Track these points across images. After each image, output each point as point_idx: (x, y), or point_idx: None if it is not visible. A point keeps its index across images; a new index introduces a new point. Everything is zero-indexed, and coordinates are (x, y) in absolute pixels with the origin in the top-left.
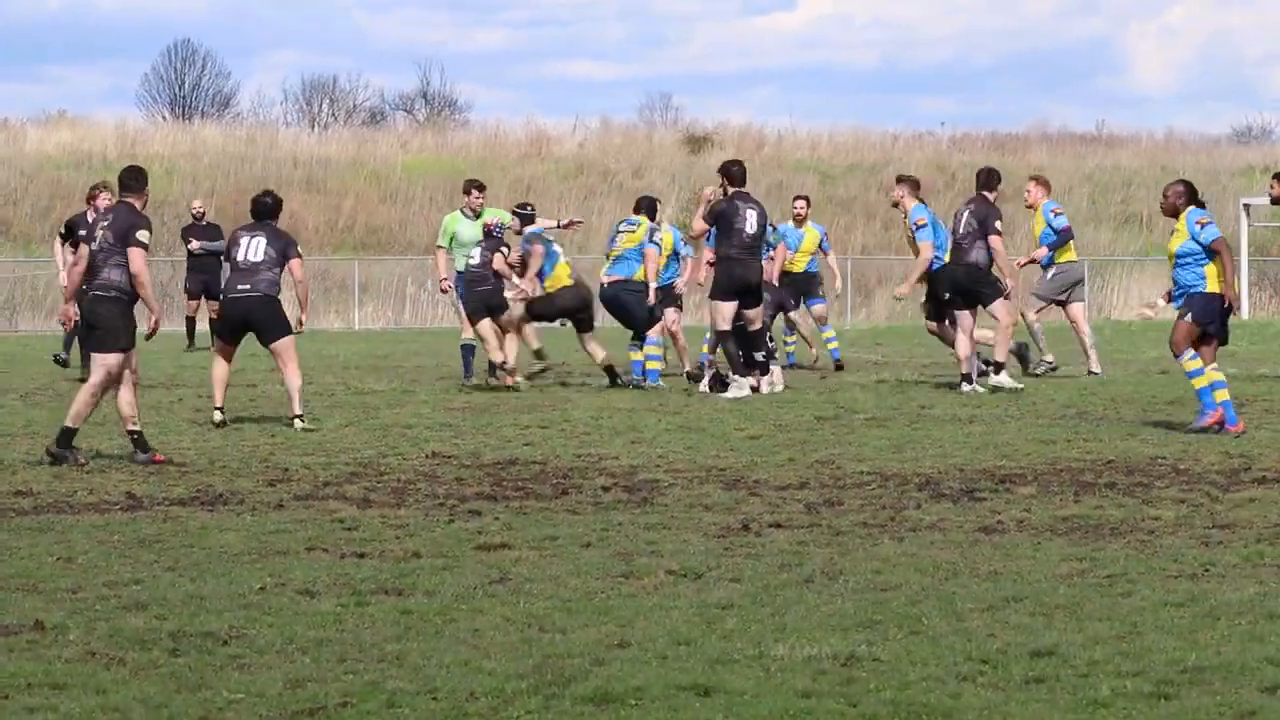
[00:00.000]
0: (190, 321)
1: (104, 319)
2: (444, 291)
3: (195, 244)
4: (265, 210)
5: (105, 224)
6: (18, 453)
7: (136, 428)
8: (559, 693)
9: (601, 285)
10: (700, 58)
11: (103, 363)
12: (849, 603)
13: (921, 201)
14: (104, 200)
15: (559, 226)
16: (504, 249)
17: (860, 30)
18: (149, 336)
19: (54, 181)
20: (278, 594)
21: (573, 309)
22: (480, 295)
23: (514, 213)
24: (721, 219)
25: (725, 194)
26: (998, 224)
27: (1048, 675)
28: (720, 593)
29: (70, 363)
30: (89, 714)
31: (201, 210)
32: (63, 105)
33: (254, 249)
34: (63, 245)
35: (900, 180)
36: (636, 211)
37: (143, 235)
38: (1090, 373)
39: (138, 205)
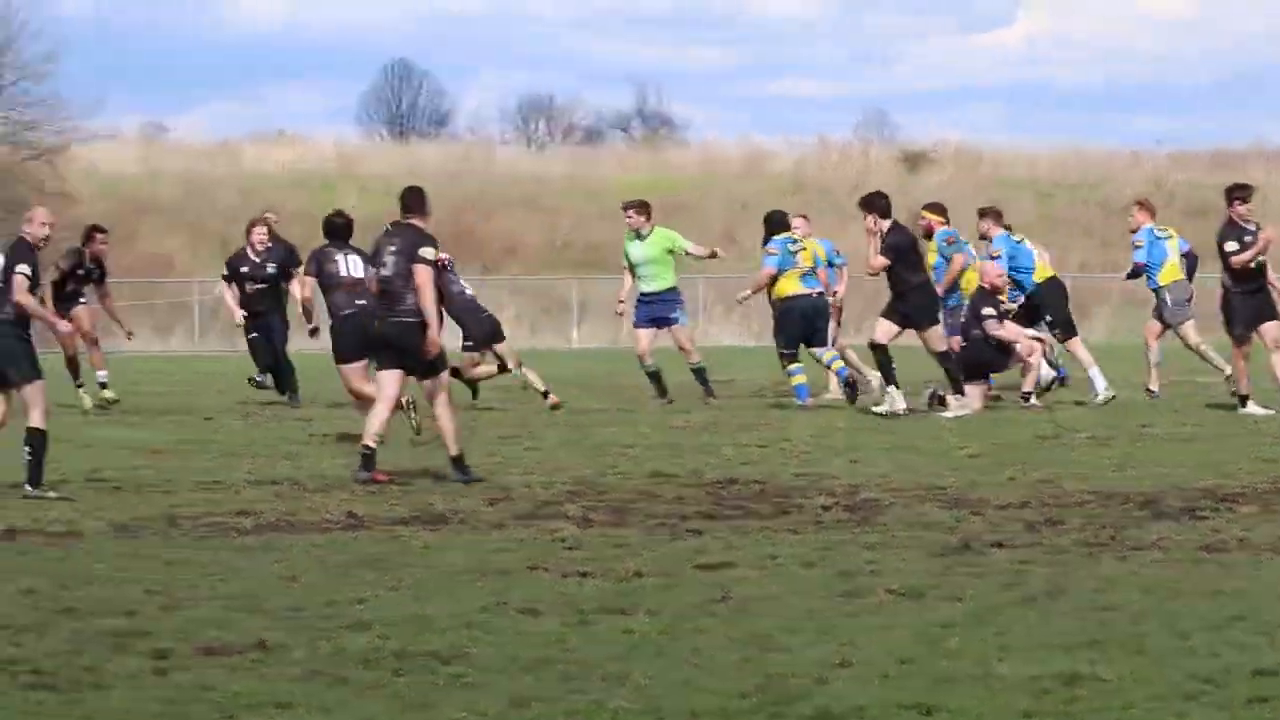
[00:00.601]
0: None
1: (417, 345)
2: (619, 314)
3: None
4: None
5: (394, 249)
6: (240, 472)
7: (373, 446)
8: (782, 711)
9: (805, 296)
10: (917, 75)
11: (444, 382)
12: (1071, 622)
13: (1007, 230)
14: (259, 234)
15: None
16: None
17: (1077, 48)
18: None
19: (272, 200)
20: (500, 613)
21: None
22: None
23: None
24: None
25: (883, 226)
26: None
27: (1271, 695)
28: (942, 612)
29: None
30: None
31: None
32: (282, 124)
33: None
34: (228, 286)
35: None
36: (769, 226)
37: (427, 251)
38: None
39: (423, 226)
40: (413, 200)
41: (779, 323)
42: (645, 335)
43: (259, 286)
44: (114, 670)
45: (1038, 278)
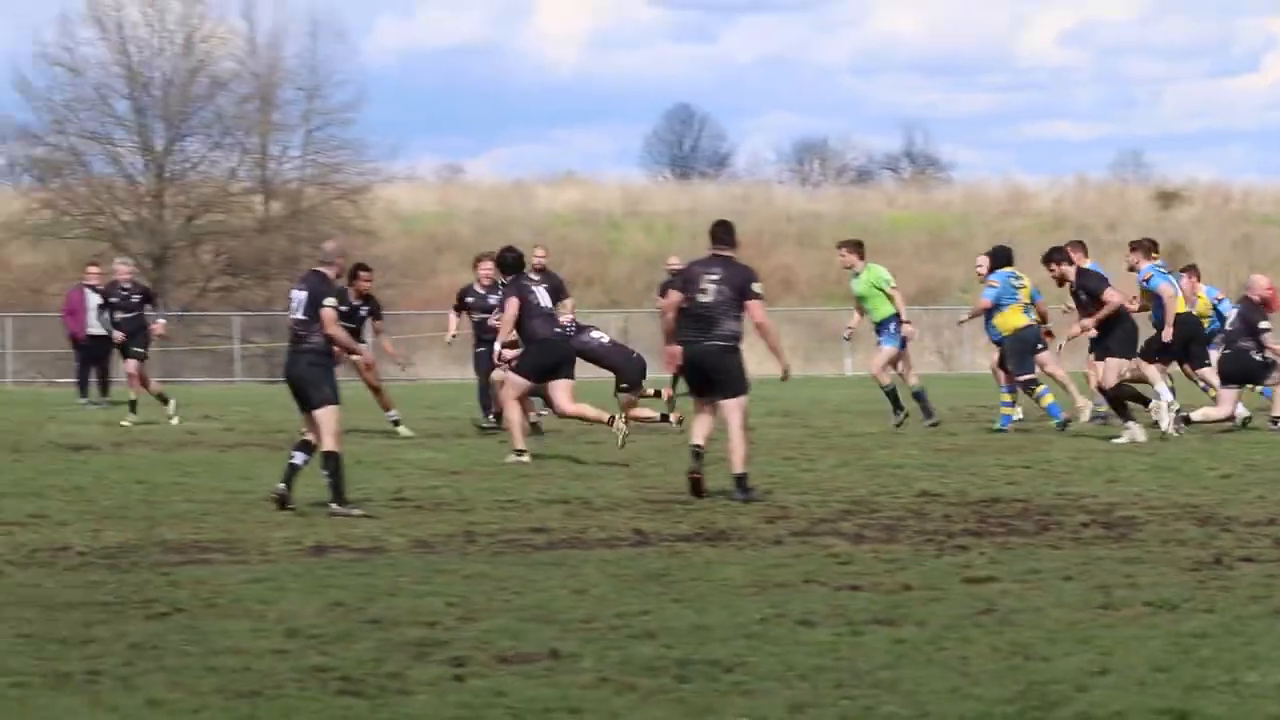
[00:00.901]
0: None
1: (734, 368)
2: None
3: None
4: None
5: (714, 278)
6: (533, 492)
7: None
8: (1043, 717)
9: (1031, 327)
10: (1170, 118)
11: (739, 405)
12: None
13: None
14: (485, 269)
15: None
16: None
17: None
18: None
19: (562, 238)
20: (777, 624)
21: None
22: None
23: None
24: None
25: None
26: None
27: None
28: (1194, 623)
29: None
30: None
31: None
32: (571, 166)
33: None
34: (456, 314)
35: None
36: (993, 260)
37: (758, 287)
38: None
39: (734, 257)
40: (723, 233)
41: (1014, 352)
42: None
43: (483, 317)
44: (416, 677)
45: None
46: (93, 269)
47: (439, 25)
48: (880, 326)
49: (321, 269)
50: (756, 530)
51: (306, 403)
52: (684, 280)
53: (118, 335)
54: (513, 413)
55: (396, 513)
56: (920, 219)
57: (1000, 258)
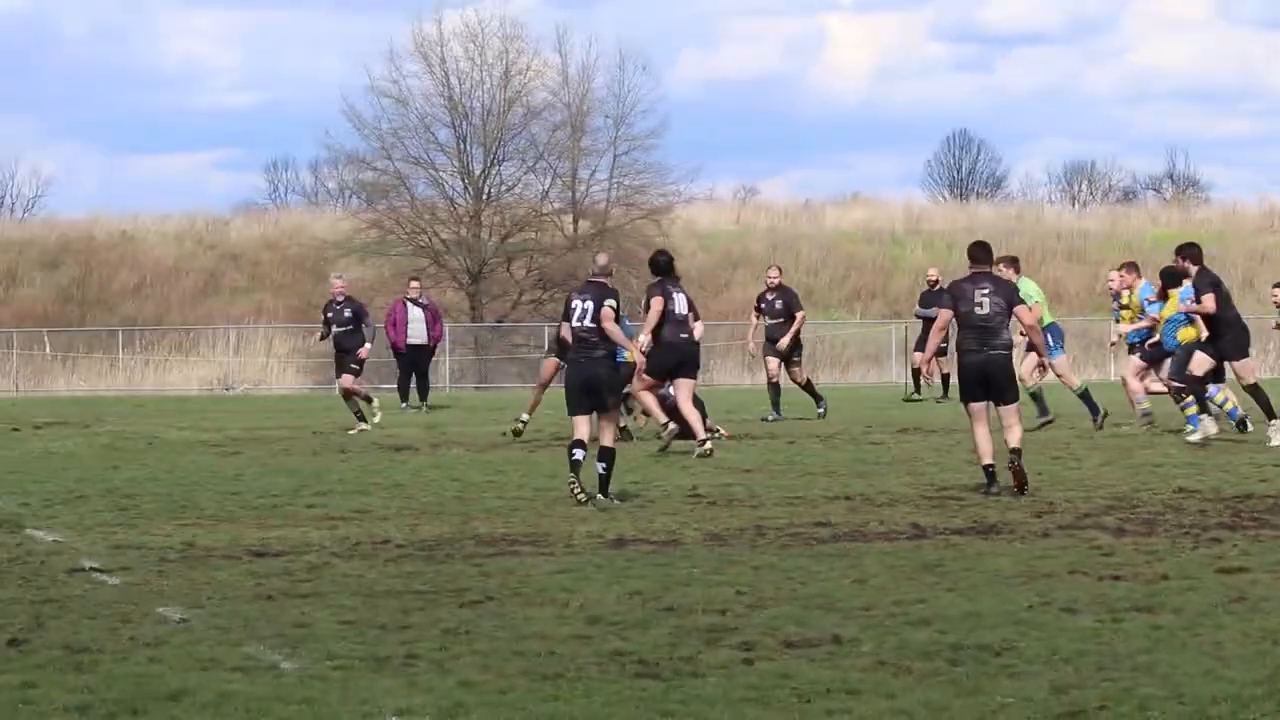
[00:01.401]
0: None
1: (1011, 374)
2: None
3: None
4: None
5: (986, 292)
6: (818, 489)
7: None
8: None
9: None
10: None
11: (1018, 409)
12: None
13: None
14: (773, 276)
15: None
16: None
17: None
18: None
19: (848, 254)
20: (1043, 611)
21: None
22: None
23: None
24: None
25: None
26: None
27: None
28: None
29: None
30: (879, 716)
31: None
32: (857, 188)
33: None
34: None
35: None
36: (1165, 279)
37: (1028, 298)
38: None
39: (997, 273)
40: (982, 253)
41: (1182, 361)
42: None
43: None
44: (707, 661)
45: None
46: (414, 284)
47: (739, 58)
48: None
49: (598, 279)
50: (1025, 524)
51: (601, 405)
52: (954, 297)
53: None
54: (685, 409)
55: (692, 508)
56: (1180, 236)
57: (1175, 276)
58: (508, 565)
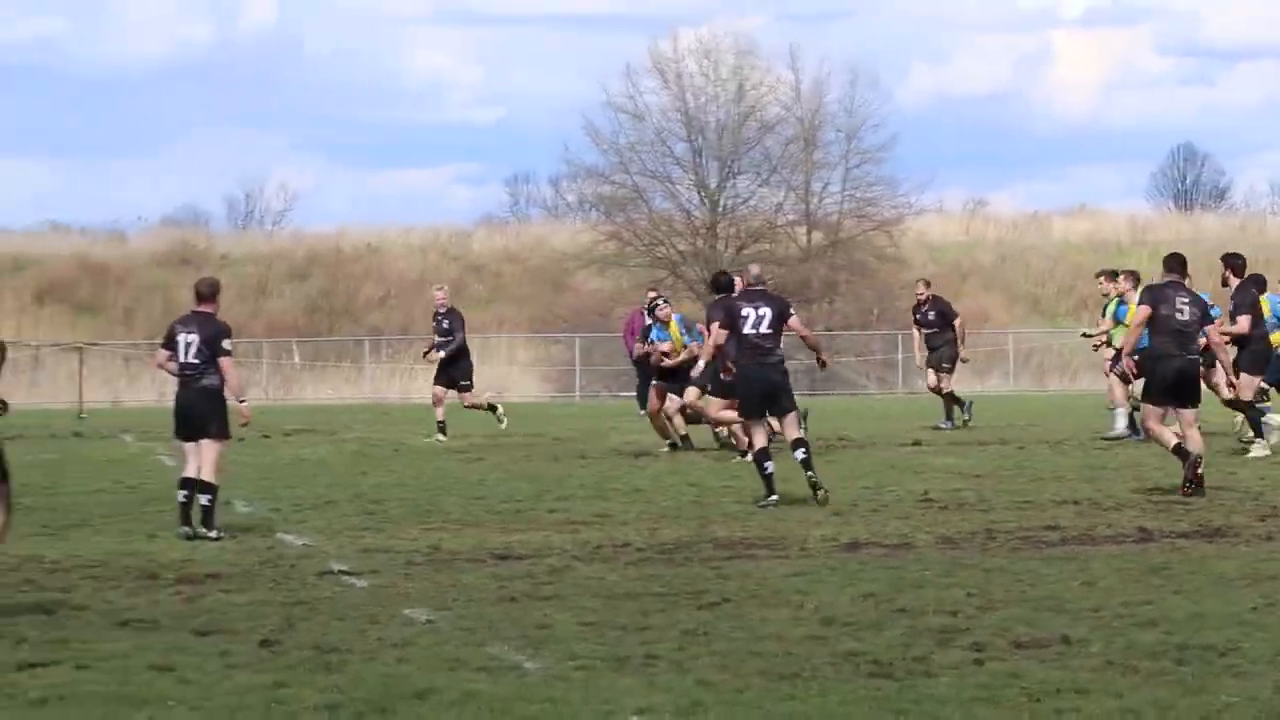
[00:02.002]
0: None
1: (1197, 378)
2: None
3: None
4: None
5: (1186, 301)
6: (1047, 494)
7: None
8: None
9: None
10: None
11: (1198, 412)
12: None
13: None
14: (920, 291)
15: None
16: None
17: None
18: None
19: (1075, 265)
20: (1268, 613)
21: None
22: None
23: None
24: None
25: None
26: None
27: None
28: None
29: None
30: (1107, 715)
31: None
32: (1084, 200)
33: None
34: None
35: None
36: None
37: (1214, 311)
38: None
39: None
40: (1177, 264)
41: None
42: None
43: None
44: (939, 661)
45: None
46: (651, 293)
47: (968, 74)
48: None
49: (760, 288)
50: (1250, 528)
51: (780, 409)
52: (1155, 300)
53: (435, 354)
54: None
55: (923, 512)
56: None
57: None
58: (744, 568)
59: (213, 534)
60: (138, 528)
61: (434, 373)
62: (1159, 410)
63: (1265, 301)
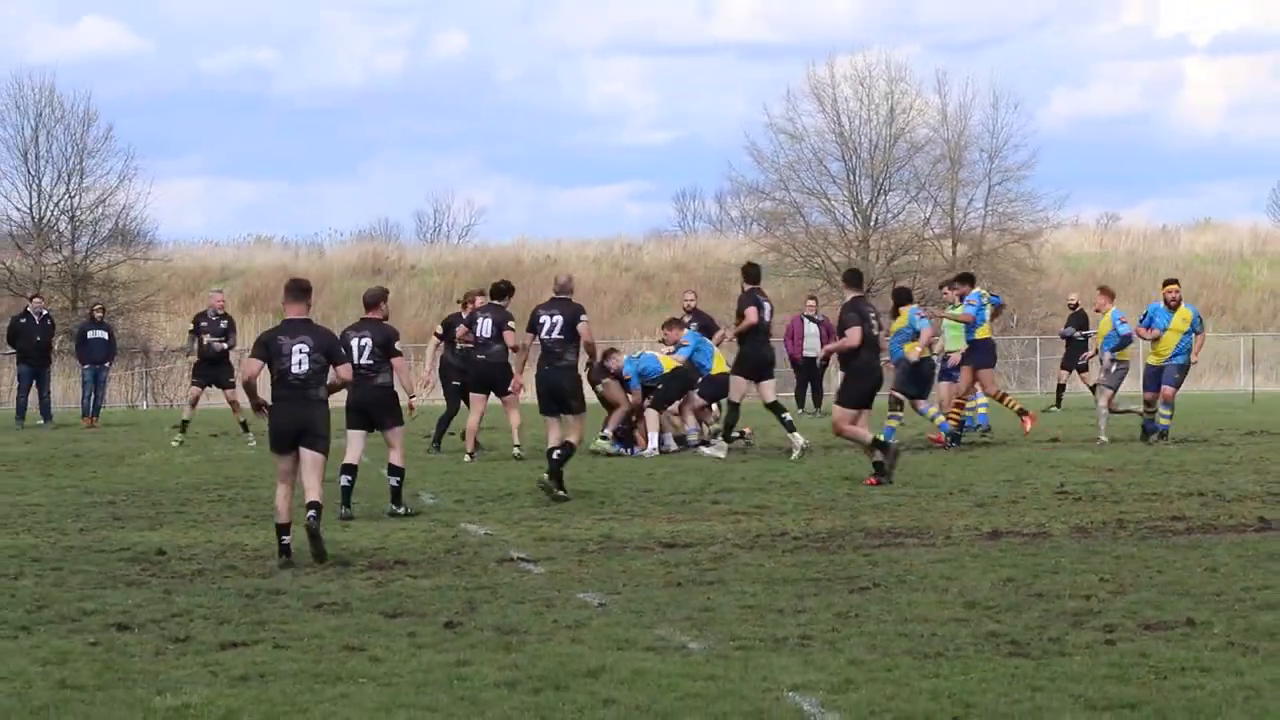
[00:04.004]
0: None
1: None
2: None
3: None
4: None
5: None
6: (1173, 486)
7: None
8: None
9: None
10: None
11: None
12: None
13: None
14: (1072, 298)
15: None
16: None
17: None
18: None
19: (1201, 275)
20: None
21: None
22: None
23: None
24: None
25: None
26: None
27: None
28: None
29: None
30: (1229, 691)
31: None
32: (1208, 213)
33: None
34: None
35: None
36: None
37: None
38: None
39: None
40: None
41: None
42: None
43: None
44: (1073, 641)
45: None
46: (810, 302)
47: (1104, 96)
48: None
49: (564, 296)
50: None
51: (569, 410)
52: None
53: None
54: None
55: (1059, 504)
56: None
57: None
58: (893, 555)
59: (401, 510)
60: (331, 519)
61: (195, 372)
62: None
63: (904, 312)
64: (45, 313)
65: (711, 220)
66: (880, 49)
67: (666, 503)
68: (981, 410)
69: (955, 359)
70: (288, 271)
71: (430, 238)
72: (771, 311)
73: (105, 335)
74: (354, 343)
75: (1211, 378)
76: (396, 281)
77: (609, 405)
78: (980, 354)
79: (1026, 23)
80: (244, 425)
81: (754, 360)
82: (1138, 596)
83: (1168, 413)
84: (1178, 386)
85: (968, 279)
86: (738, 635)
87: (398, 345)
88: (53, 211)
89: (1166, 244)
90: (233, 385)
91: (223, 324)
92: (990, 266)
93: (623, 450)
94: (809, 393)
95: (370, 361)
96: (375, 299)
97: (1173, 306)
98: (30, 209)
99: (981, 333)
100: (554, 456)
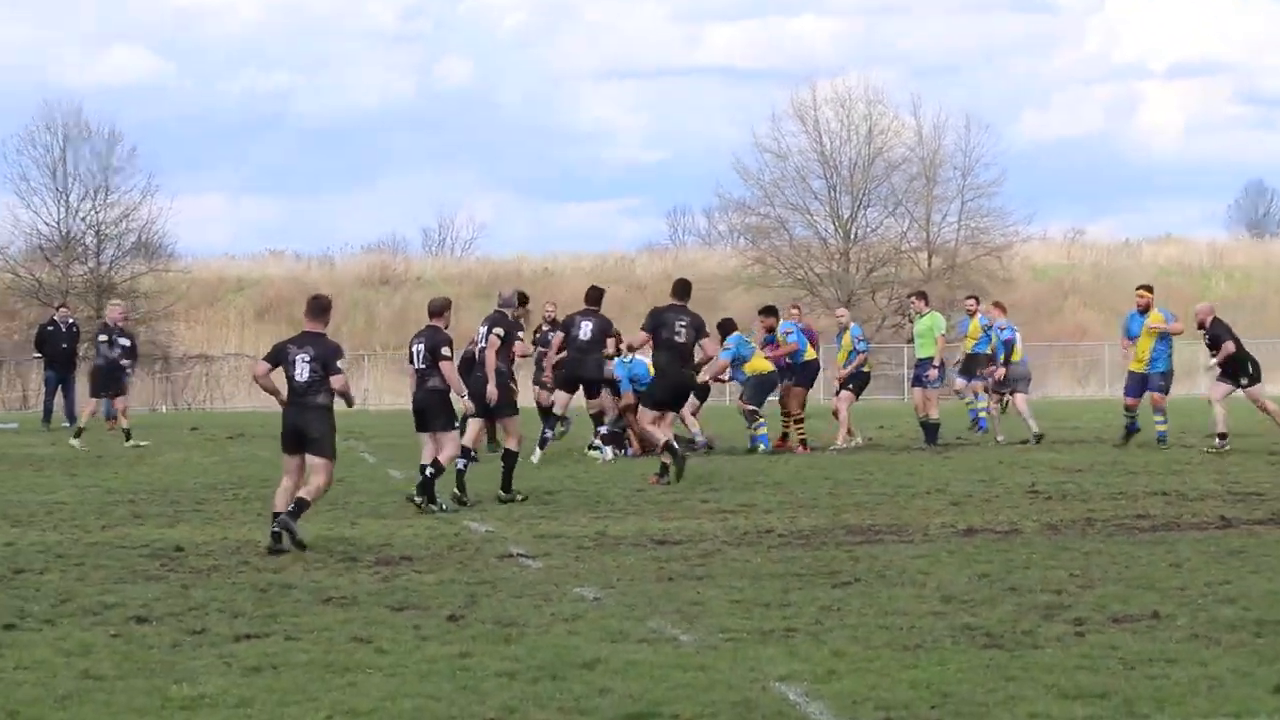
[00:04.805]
0: None
1: None
2: None
3: None
4: None
5: None
6: (1138, 486)
7: None
8: None
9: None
10: None
11: None
12: None
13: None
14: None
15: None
16: None
17: None
18: None
19: (1164, 285)
20: None
21: None
22: None
23: None
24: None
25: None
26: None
27: None
28: None
29: None
30: (1193, 681)
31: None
32: (1169, 229)
33: None
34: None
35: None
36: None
37: None
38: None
39: None
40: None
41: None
42: None
43: None
44: (1045, 634)
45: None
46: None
47: (1067, 117)
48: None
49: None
50: None
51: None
52: None
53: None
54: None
55: (1030, 502)
56: None
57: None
58: (873, 551)
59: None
60: (343, 515)
61: (95, 382)
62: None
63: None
64: (71, 321)
65: (701, 234)
66: (859, 73)
67: (658, 501)
68: (982, 412)
69: (933, 373)
70: (300, 282)
71: (435, 250)
72: (596, 330)
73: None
74: (413, 348)
75: (1181, 383)
76: (404, 291)
77: (596, 416)
78: (803, 374)
79: (997, 49)
80: (126, 433)
81: (566, 375)
82: (1106, 591)
83: (1161, 419)
84: (1165, 392)
85: (772, 311)
86: (726, 628)
87: (446, 350)
88: (79, 226)
89: (1129, 256)
90: (124, 394)
91: (123, 340)
92: (963, 278)
93: (618, 452)
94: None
95: (423, 365)
96: (439, 308)
97: (1143, 311)
98: (59, 223)
99: (809, 355)
100: (458, 467)
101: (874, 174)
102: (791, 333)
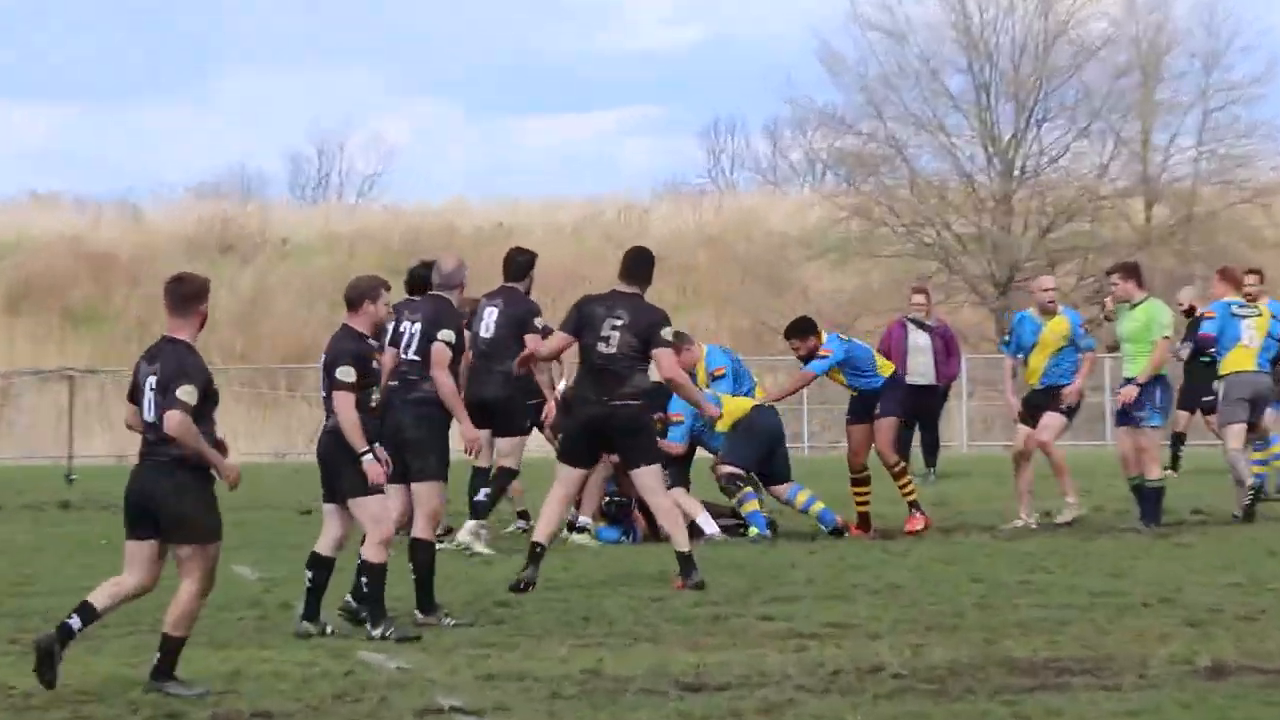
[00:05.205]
0: None
1: None
2: None
3: None
4: None
5: None
6: None
7: None
8: None
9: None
10: None
11: None
12: None
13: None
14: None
15: None
16: None
17: None
18: None
19: None
20: None
21: None
22: None
23: None
24: None
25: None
26: None
27: None
28: None
29: None
30: None
31: None
32: None
33: None
34: None
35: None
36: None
37: None
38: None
39: None
40: None
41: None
42: None
43: None
44: None
45: None
46: (918, 297)
47: None
48: None
49: (439, 293)
50: None
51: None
52: None
53: None
54: None
55: None
56: None
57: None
58: (1053, 703)
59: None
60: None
61: None
62: None
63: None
64: None
65: (759, 169)
66: None
67: (687, 618)
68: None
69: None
70: (79, 245)
71: (310, 196)
72: (505, 323)
73: None
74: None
75: None
76: (258, 263)
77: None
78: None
79: None
80: None
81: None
82: None
83: None
84: None
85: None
86: None
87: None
88: None
89: None
90: None
91: None
92: (1207, 239)
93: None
94: (918, 440)
95: (323, 394)
96: (360, 295)
97: None
98: None
99: (883, 369)
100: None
101: (1054, 66)
102: (832, 353)
